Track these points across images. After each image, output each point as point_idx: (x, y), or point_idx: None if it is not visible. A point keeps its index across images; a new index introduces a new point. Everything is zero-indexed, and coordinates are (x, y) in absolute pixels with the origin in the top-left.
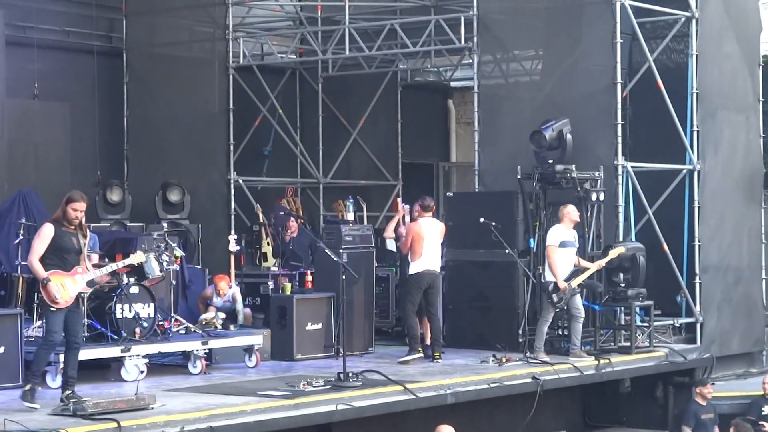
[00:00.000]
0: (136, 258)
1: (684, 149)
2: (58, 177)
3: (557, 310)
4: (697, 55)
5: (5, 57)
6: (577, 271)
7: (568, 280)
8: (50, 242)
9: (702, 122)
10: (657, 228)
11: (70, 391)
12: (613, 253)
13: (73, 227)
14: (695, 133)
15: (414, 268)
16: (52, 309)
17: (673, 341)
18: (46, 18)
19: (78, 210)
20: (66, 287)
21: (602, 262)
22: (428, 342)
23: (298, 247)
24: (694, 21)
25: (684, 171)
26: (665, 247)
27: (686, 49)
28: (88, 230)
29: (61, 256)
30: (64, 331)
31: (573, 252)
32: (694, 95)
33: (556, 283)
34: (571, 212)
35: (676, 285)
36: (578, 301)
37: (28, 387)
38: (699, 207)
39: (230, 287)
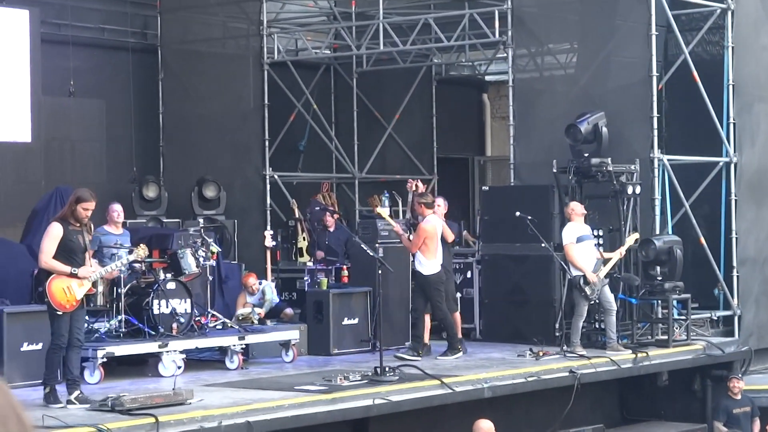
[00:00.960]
0: (138, 253)
1: (720, 142)
2: (95, 174)
3: (591, 302)
4: (733, 47)
5: (41, 55)
6: (602, 262)
7: (594, 271)
8: (58, 243)
9: (738, 114)
10: (694, 221)
11: (78, 392)
12: (629, 240)
13: (78, 225)
14: (731, 126)
15: (432, 267)
16: (58, 313)
17: (711, 334)
18: (82, 15)
19: (88, 209)
20: (72, 290)
21: (623, 250)
22: (427, 341)
23: (335, 243)
24: (729, 12)
25: (720, 163)
26: (702, 240)
27: (722, 41)
28: (92, 227)
29: (69, 257)
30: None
31: (591, 245)
32: (731, 87)
33: (584, 277)
34: (575, 208)
35: (713, 278)
36: (608, 294)
37: (47, 390)
38: (736, 200)
39: (260, 282)
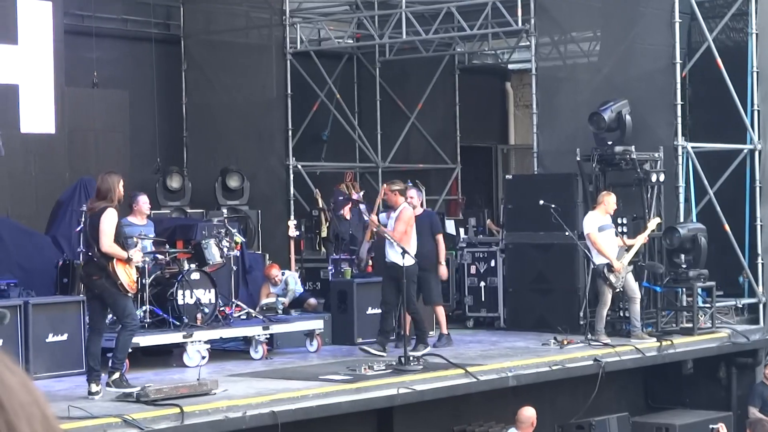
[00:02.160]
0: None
1: (744, 129)
2: (118, 165)
3: (616, 290)
4: (757, 34)
5: (64, 46)
6: (624, 250)
7: (618, 260)
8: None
9: (763, 101)
10: (718, 208)
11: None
12: (651, 225)
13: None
14: (756, 113)
15: (410, 258)
16: (129, 295)
17: (736, 322)
18: (105, 6)
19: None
20: (130, 273)
21: (645, 235)
22: (445, 330)
23: (357, 231)
24: None
25: (745, 151)
26: (726, 227)
27: (746, 27)
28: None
29: (120, 242)
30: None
31: (612, 234)
32: (755, 74)
33: (608, 265)
34: (610, 202)
35: (738, 265)
36: (632, 282)
37: (117, 375)
38: (760, 187)
39: (282, 273)
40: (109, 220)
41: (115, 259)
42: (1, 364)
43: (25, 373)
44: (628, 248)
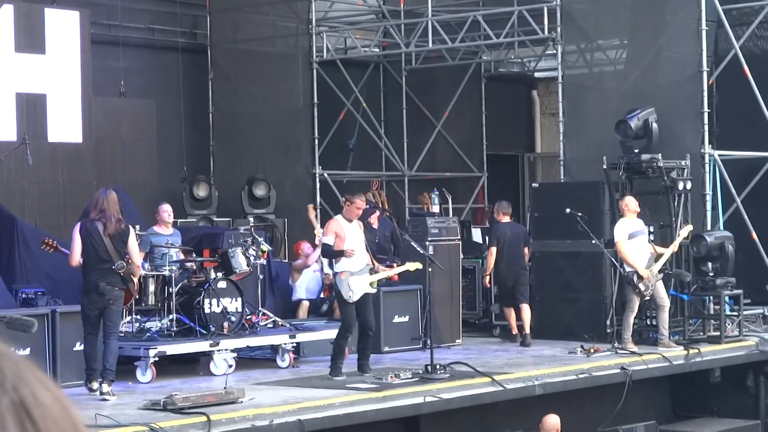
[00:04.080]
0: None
1: None
2: (146, 174)
3: (644, 299)
4: None
5: (92, 56)
6: (655, 258)
7: (647, 267)
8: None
9: None
10: (745, 216)
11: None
12: (683, 232)
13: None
14: None
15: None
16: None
17: (763, 330)
18: (132, 16)
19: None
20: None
21: (676, 243)
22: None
23: (383, 239)
24: None
25: None
26: (754, 235)
27: None
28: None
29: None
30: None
31: (644, 240)
32: None
33: (637, 273)
34: (629, 203)
35: (765, 273)
36: (662, 290)
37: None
38: None
39: (312, 249)
40: (134, 238)
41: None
42: (36, 380)
43: (59, 389)
44: (659, 256)
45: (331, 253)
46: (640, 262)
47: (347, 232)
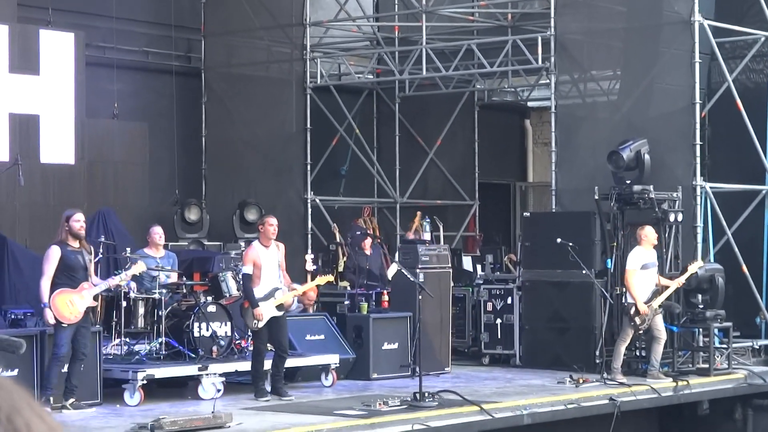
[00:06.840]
0: (137, 268)
1: (763, 170)
2: (137, 196)
3: (638, 332)
4: None
5: (86, 77)
6: (658, 291)
7: (649, 301)
8: (58, 263)
9: None
10: (736, 249)
11: (73, 399)
12: (692, 268)
13: (78, 245)
14: None
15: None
16: (63, 325)
17: (753, 363)
18: (126, 39)
19: (79, 221)
20: (74, 304)
21: (682, 279)
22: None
23: (375, 266)
24: None
25: (763, 192)
26: (744, 268)
27: (766, 68)
28: (91, 247)
29: (69, 275)
30: (72, 344)
31: (654, 272)
32: None
33: (636, 306)
34: (648, 234)
35: (755, 306)
36: (660, 323)
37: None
38: None
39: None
40: (46, 259)
41: (56, 291)
42: (31, 411)
43: (54, 419)
44: (663, 288)
45: (248, 288)
46: (642, 296)
47: (263, 259)
